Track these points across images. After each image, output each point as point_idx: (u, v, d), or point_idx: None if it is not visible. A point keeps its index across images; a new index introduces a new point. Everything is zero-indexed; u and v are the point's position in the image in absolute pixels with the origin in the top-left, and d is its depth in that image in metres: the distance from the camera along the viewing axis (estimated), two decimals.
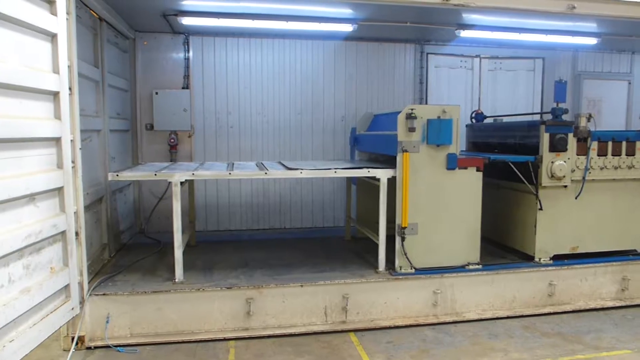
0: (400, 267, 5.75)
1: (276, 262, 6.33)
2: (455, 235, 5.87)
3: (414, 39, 8.54)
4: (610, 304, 6.28)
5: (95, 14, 6.04)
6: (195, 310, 5.32)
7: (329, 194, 8.53)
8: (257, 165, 6.49)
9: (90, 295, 5.09)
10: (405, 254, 5.73)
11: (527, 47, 8.94)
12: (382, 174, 5.73)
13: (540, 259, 6.16)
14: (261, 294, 5.43)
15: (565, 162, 6.02)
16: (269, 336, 5.37)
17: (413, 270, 5.75)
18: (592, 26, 7.58)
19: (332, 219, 8.57)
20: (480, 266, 5.93)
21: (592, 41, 7.95)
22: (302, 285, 5.50)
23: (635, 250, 6.53)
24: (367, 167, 5.86)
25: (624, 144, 6.28)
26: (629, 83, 9.55)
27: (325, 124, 8.44)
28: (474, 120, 7.98)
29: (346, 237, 7.59)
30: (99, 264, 6.04)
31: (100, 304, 5.14)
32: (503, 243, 6.85)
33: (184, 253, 5.76)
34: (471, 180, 5.85)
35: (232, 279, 5.65)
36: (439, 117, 5.66)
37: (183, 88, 7.92)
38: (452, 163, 5.74)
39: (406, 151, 5.59)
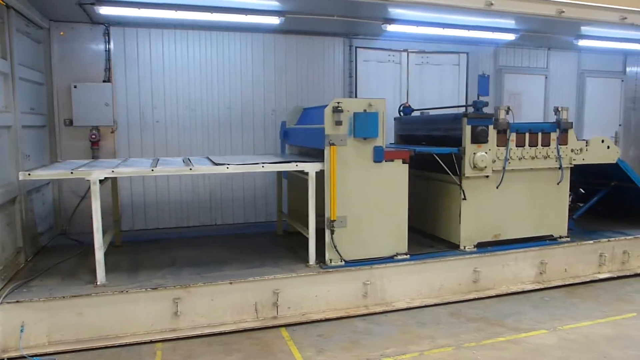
0: (331, 260, 5.77)
1: (206, 259, 6.19)
2: (384, 226, 5.96)
3: (342, 33, 8.59)
4: (530, 287, 6.60)
5: (1, 1, 5.62)
6: (119, 313, 5.09)
7: (260, 188, 8.44)
8: (183, 161, 6.30)
9: (1, 303, 4.76)
10: (335, 247, 5.76)
11: (452, 42, 9.22)
12: (311, 168, 5.71)
13: (465, 247, 6.39)
14: (189, 293, 5.28)
15: (486, 153, 6.26)
16: (198, 336, 5.23)
17: (343, 263, 5.78)
18: (510, 23, 7.92)
19: (264, 214, 8.48)
20: (408, 256, 6.06)
21: (511, 37, 8.31)
22: (231, 283, 5.39)
23: (551, 236, 6.90)
24: (295, 161, 5.82)
25: (539, 135, 6.60)
26: (546, 77, 10.07)
27: (255, 118, 8.33)
28: (402, 114, 8.13)
29: (278, 232, 7.55)
30: (12, 270, 5.65)
31: (13, 312, 4.80)
32: (431, 233, 7.04)
33: (108, 254, 5.51)
34: (398, 173, 5.96)
35: (158, 279, 5.46)
36: (365, 110, 5.70)
37: (104, 81, 7.55)
38: (379, 156, 5.81)
39: (333, 144, 5.61)
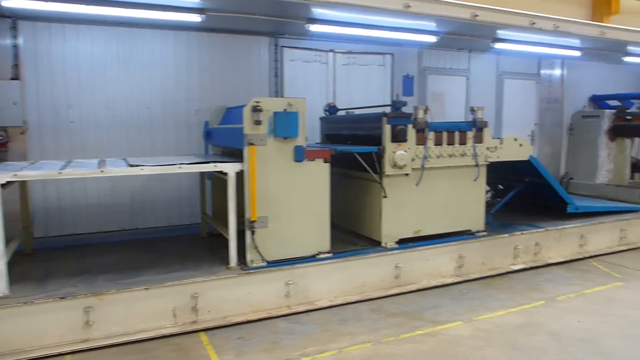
0: (252, 261, 5.71)
1: (123, 265, 5.95)
2: (306, 226, 5.97)
3: (268, 32, 8.53)
4: (449, 280, 6.82)
5: None
6: (25, 326, 4.79)
7: (185, 190, 8.23)
8: (98, 164, 6.02)
9: None
10: (256, 248, 5.70)
11: (377, 43, 9.37)
12: (230, 168, 5.62)
13: (386, 244, 6.51)
14: (102, 302, 5.05)
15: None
16: (113, 345, 5.02)
17: (265, 264, 5.74)
18: (431, 25, 8.15)
19: (188, 217, 8.27)
20: (330, 255, 6.09)
21: (432, 39, 8.55)
22: (147, 288, 5.21)
23: (469, 230, 7.16)
24: (214, 162, 5.71)
25: (457, 134, 6.83)
26: (467, 78, 10.46)
27: (178, 118, 8.11)
28: (327, 113, 8.18)
29: (202, 234, 7.39)
30: None
31: None
32: (355, 230, 7.13)
33: (15, 263, 5.19)
34: (319, 172, 5.98)
35: (68, 287, 5.19)
36: (285, 110, 5.68)
37: (12, 79, 7.09)
38: (300, 155, 5.81)
39: (252, 144, 5.54)
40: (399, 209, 6.56)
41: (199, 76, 8.20)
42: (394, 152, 6.33)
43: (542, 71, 11.52)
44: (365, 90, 9.45)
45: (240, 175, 5.68)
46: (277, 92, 8.68)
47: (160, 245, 6.95)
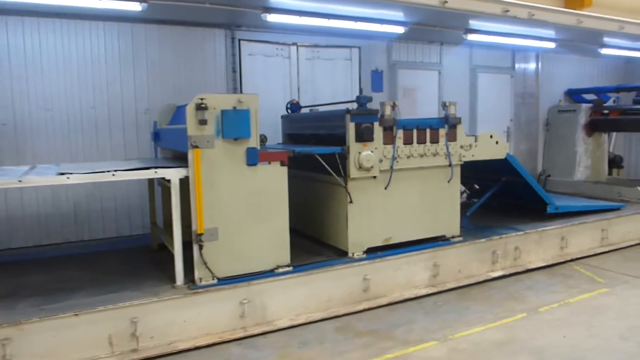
0: (201, 279, 5.05)
1: (54, 286, 5.24)
2: (262, 237, 5.34)
3: (223, 24, 7.86)
4: (423, 291, 6.26)
5: None
6: None
7: (134, 198, 7.51)
8: (26, 171, 5.30)
9: None
10: (205, 264, 5.05)
11: (343, 36, 8.79)
12: (173, 174, 4.96)
13: (353, 254, 5.92)
14: (22, 331, 4.34)
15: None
16: None
17: (215, 281, 5.09)
18: (398, 15, 7.59)
19: (140, 226, 7.56)
20: (291, 268, 5.48)
21: (400, 30, 7.98)
22: (76, 314, 4.51)
23: (444, 236, 6.62)
24: (155, 167, 5.03)
25: (428, 131, 6.27)
26: (439, 73, 9.94)
27: (126, 118, 7.39)
28: (289, 112, 7.56)
29: (153, 247, 6.69)
30: None
31: None
32: (321, 239, 6.53)
33: None
34: (275, 176, 5.35)
35: None
36: (234, 107, 5.04)
37: None
38: (253, 158, 5.17)
39: (197, 147, 4.89)
40: (367, 215, 5.97)
41: (148, 72, 7.49)
42: (360, 153, 5.74)
43: (517, 65, 11.09)
44: (331, 86, 8.85)
45: (185, 182, 5.02)
46: (236, 88, 8.02)
47: (102, 260, 6.24)
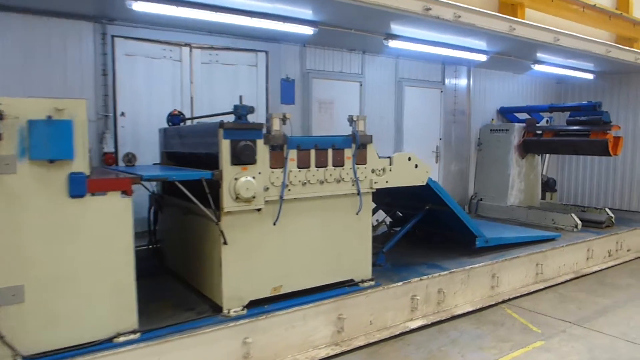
0: None
1: None
2: (95, 295, 3.89)
3: (92, 16, 6.37)
4: (324, 353, 4.96)
5: None
6: None
7: None
8: None
9: None
10: (2, 337, 3.54)
11: (248, 37, 7.52)
12: None
13: (229, 310, 4.54)
14: None
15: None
16: None
17: None
18: (306, 13, 6.41)
19: None
20: (137, 335, 4.04)
21: (309, 31, 6.79)
22: None
23: (352, 280, 5.38)
24: None
25: (330, 152, 5.04)
26: (361, 85, 8.83)
27: None
28: (170, 125, 6.16)
29: None
30: None
31: None
32: (198, 289, 5.14)
33: None
34: (115, 211, 3.93)
35: None
36: (49, 117, 3.60)
37: None
38: (79, 187, 3.74)
39: None
40: (249, 260, 4.63)
41: None
42: (237, 179, 4.41)
43: (447, 80, 10.17)
44: (232, 96, 7.35)
45: None
46: (107, 95, 6.53)
47: None
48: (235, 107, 4.52)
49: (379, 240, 6.74)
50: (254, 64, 7.72)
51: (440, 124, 10.13)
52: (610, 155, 9.11)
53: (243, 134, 4.46)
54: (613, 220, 9.34)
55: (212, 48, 7.41)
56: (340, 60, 8.63)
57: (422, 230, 7.57)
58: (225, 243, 4.44)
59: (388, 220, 8.00)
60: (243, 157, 4.41)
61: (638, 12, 14.63)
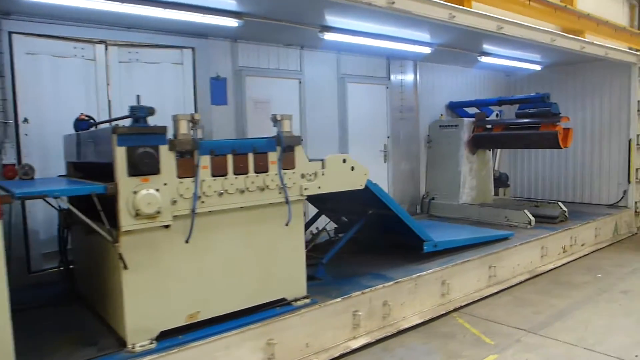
0: None
1: None
2: None
3: None
4: None
5: None
6: None
7: None
8: None
9: None
10: None
11: (170, 32, 6.85)
12: None
13: (134, 345, 3.89)
14: None
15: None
16: None
17: None
18: (231, 3, 5.82)
19: None
20: None
21: (234, 23, 6.18)
22: None
23: (284, 300, 4.81)
24: None
25: (250, 156, 4.45)
26: (300, 82, 8.26)
27: None
28: (76, 131, 5.43)
29: None
30: None
31: None
32: (105, 319, 4.46)
33: None
34: None
35: None
36: None
37: None
38: None
39: None
40: (158, 284, 4.00)
41: None
42: (135, 193, 3.77)
43: (393, 75, 9.72)
44: (157, 98, 6.57)
45: None
46: (5, 99, 5.74)
47: None
48: (132, 108, 3.88)
49: (320, 250, 6.21)
50: (179, 61, 7.03)
51: (387, 122, 9.66)
52: (560, 147, 8.86)
53: (142, 139, 3.82)
54: (566, 214, 9.12)
55: (131, 45, 6.69)
56: (276, 56, 8.03)
57: (368, 236, 7.07)
58: (125, 267, 3.78)
59: (332, 226, 7.46)
60: (142, 167, 3.77)
61: (582, 4, 14.62)
